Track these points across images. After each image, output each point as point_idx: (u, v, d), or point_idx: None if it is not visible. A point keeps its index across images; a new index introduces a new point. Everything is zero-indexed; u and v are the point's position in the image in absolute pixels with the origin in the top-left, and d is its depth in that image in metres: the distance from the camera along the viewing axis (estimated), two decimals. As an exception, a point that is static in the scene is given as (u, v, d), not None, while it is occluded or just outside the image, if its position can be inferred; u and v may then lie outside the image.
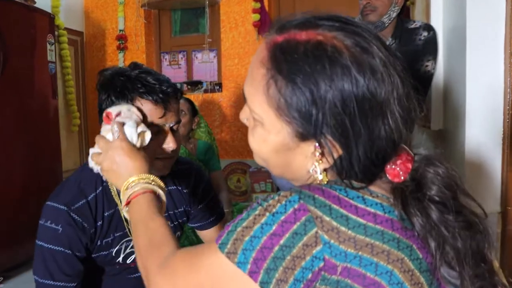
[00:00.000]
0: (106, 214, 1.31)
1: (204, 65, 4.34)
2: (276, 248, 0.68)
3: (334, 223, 0.68)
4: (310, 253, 0.67)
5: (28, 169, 2.68)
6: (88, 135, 4.32)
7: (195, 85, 4.25)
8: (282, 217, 0.68)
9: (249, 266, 0.70)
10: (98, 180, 1.32)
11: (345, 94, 0.71)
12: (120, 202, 1.13)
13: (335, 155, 0.73)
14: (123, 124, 1.13)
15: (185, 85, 4.30)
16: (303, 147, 0.75)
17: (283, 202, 0.70)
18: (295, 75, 0.72)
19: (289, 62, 0.74)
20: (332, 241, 0.67)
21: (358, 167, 0.73)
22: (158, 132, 1.26)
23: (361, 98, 0.71)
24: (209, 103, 4.18)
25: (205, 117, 4.01)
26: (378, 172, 0.76)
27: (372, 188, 0.75)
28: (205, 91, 4.24)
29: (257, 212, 0.71)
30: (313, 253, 0.67)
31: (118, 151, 1.08)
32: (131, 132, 1.12)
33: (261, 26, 3.97)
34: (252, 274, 0.70)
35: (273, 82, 0.74)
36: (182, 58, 4.41)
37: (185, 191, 1.50)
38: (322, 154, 0.74)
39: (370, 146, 0.72)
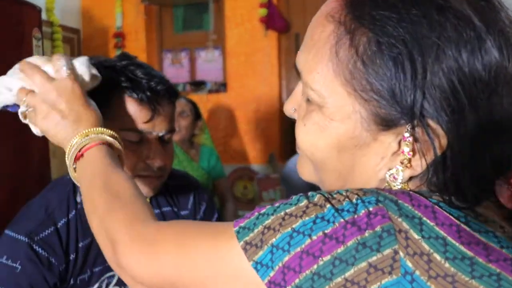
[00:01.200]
0: (81, 244, 1.05)
1: (208, 64, 4.08)
2: (326, 258, 0.46)
3: (426, 246, 0.43)
4: (377, 281, 0.44)
5: (15, 177, 2.42)
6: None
7: (198, 85, 4.00)
8: (349, 217, 0.46)
9: (272, 274, 0.48)
10: (70, 201, 1.06)
11: (462, 56, 0.45)
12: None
13: (438, 151, 0.47)
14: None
15: (188, 86, 4.05)
16: (382, 140, 0.51)
17: (354, 200, 0.48)
18: (384, 24, 0.47)
19: (375, 7, 0.48)
20: (417, 273, 0.42)
21: (471, 172, 0.47)
22: (141, 141, 1.00)
23: (486, 66, 0.45)
24: (213, 104, 3.92)
25: (209, 119, 3.76)
26: (492, 185, 0.50)
27: (478, 208, 0.50)
28: (209, 91, 3.97)
29: (315, 199, 0.49)
30: (382, 283, 0.44)
31: (68, 94, 0.82)
32: (84, 71, 0.87)
33: (269, 22, 3.70)
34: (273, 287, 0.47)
35: (347, 39, 0.49)
36: (185, 56, 4.15)
37: (182, 213, 1.24)
38: (414, 151, 0.49)
39: (493, 140, 0.47)
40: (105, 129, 0.82)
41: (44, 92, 0.82)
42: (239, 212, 2.75)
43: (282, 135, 3.87)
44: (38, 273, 0.97)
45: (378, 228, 0.45)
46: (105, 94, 0.96)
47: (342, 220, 0.46)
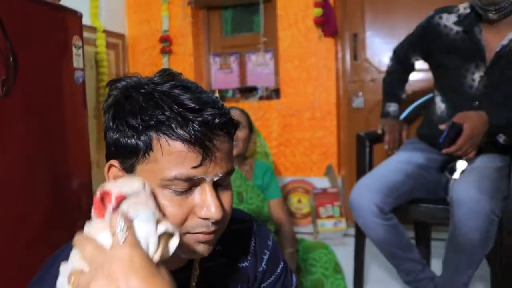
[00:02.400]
0: None
1: (259, 68, 3.81)
2: None
3: None
4: None
5: (54, 192, 2.26)
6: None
7: (249, 91, 3.75)
8: None
9: None
10: None
11: None
12: None
13: None
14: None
15: (237, 92, 3.81)
16: None
17: None
18: None
19: None
20: None
21: None
22: (191, 190, 0.74)
23: None
24: (265, 111, 3.65)
25: (261, 127, 3.50)
26: None
27: None
28: (261, 98, 3.71)
29: None
30: None
31: (124, 268, 0.56)
32: (148, 232, 0.61)
33: (325, 23, 3.40)
34: None
35: None
36: (234, 61, 3.90)
37: (242, 265, 0.98)
38: None
39: None
40: None
41: (94, 270, 0.58)
42: (297, 239, 2.47)
43: (340, 145, 3.57)
44: None
45: None
46: (141, 132, 0.71)
47: None
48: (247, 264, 0.98)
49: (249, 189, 2.23)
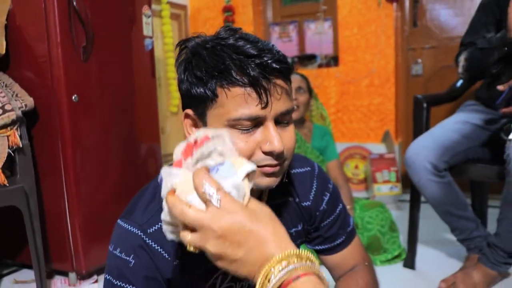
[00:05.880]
0: None
1: (317, 36, 3.87)
2: None
3: None
4: None
5: (126, 153, 2.45)
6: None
7: (308, 59, 3.83)
8: None
9: None
10: None
11: None
12: None
13: None
14: (207, 170, 0.68)
15: (296, 60, 3.90)
16: None
17: None
18: None
19: None
20: None
21: None
22: (255, 127, 0.86)
23: None
24: (323, 78, 3.72)
25: (319, 95, 3.58)
26: None
27: None
28: (319, 65, 3.79)
29: None
30: None
31: (231, 225, 0.62)
32: (233, 181, 0.66)
33: (385, -12, 3.41)
34: None
35: None
36: (293, 29, 3.97)
37: (304, 204, 1.10)
38: None
39: None
40: (298, 252, 0.62)
41: (205, 232, 0.64)
42: (354, 199, 2.56)
43: (398, 112, 3.60)
44: (152, 267, 0.89)
45: None
46: (206, 82, 0.84)
47: None
48: (309, 203, 1.10)
49: (308, 151, 2.34)
